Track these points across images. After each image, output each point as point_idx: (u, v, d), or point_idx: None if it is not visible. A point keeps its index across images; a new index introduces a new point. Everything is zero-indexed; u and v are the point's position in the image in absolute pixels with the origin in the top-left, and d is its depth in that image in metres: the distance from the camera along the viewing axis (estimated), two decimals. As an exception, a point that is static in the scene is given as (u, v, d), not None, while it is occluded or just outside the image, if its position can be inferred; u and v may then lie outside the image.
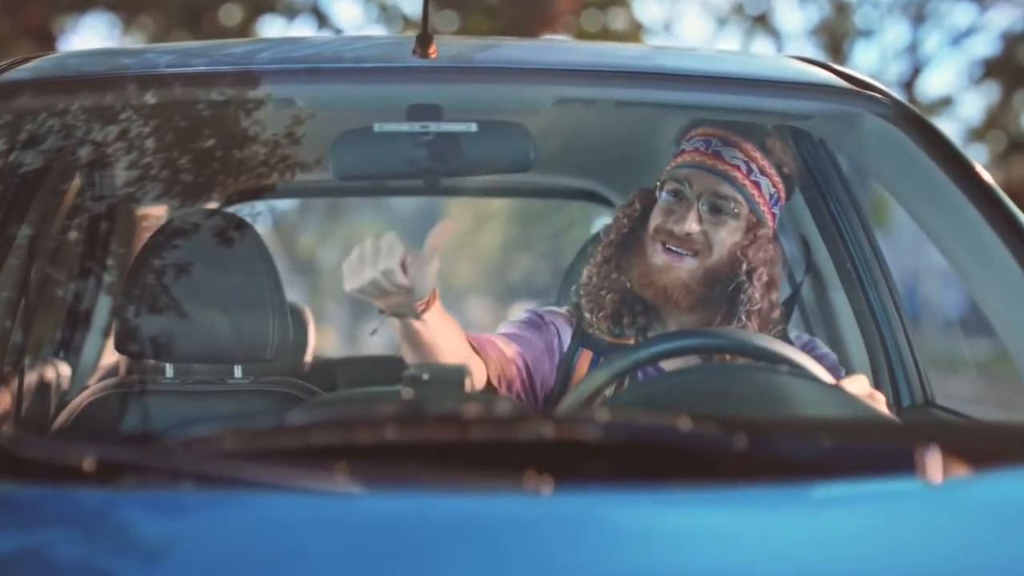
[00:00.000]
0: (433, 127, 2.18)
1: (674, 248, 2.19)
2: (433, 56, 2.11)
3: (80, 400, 2.49)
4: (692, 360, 2.15)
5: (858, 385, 1.86)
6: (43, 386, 2.86)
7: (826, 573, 1.25)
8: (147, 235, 2.48)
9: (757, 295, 2.19)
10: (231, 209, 2.80)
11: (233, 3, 14.33)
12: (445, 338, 1.99)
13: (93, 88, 2.18)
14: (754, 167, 2.23)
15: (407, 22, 13.93)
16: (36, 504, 1.33)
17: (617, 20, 15.70)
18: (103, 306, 3.20)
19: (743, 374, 1.84)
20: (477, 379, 2.03)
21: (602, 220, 3.37)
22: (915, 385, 2.62)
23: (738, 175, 2.22)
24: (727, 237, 2.20)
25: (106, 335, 3.24)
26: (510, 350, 2.19)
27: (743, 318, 2.18)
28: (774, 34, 18.02)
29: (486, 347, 2.14)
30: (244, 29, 13.84)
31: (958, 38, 17.63)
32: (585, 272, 2.31)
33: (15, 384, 2.57)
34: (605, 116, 2.62)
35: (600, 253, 2.29)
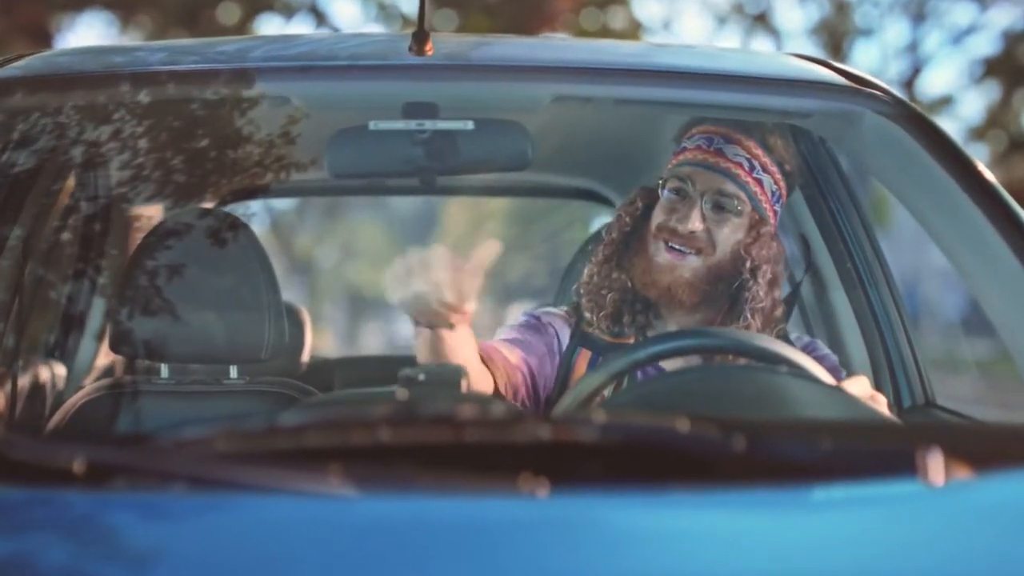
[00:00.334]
0: (429, 125, 2.17)
1: (677, 246, 2.19)
2: (429, 53, 2.10)
3: (74, 401, 2.48)
4: (692, 360, 2.14)
5: (859, 387, 1.84)
6: (38, 387, 2.85)
7: (826, 577, 1.24)
8: (142, 235, 2.47)
9: (761, 293, 2.18)
10: (226, 209, 2.79)
11: (231, 2, 14.33)
12: (465, 349, 1.97)
13: (85, 87, 2.17)
14: (756, 164, 2.22)
15: (406, 21, 13.94)
16: (24, 507, 1.31)
17: (616, 19, 15.70)
18: (98, 306, 3.20)
19: (742, 375, 1.82)
20: (485, 388, 2.02)
21: (601, 219, 3.36)
22: (916, 386, 2.61)
23: (741, 173, 2.21)
24: (730, 235, 2.20)
25: (101, 335, 3.22)
26: (514, 356, 2.18)
27: (748, 316, 2.17)
28: (774, 33, 18.02)
29: (493, 356, 2.13)
30: (242, 28, 13.83)
31: (958, 37, 17.64)
32: (586, 271, 2.30)
33: (9, 385, 2.56)
34: (603, 114, 2.61)
35: (601, 252, 2.28)
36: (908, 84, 17.02)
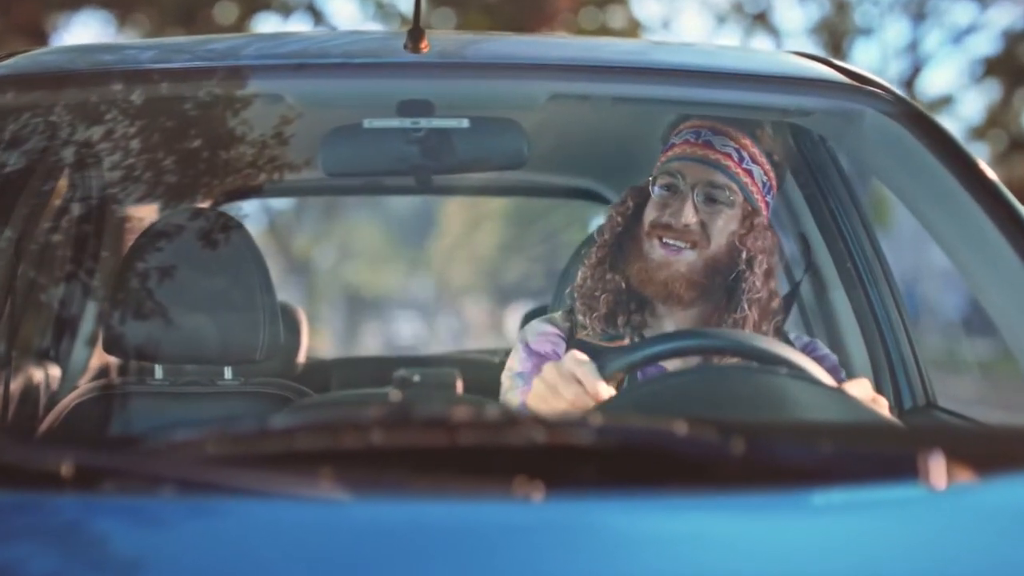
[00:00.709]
0: (424, 123, 2.16)
1: (671, 241, 2.17)
2: (425, 51, 2.08)
3: (67, 402, 2.47)
4: (691, 361, 2.12)
5: (860, 389, 1.82)
6: (31, 388, 2.84)
7: (826, 582, 1.22)
8: (135, 235, 2.46)
9: (758, 283, 2.17)
10: (221, 209, 2.78)
11: (228, 1, 14.32)
12: None
13: (75, 85, 2.15)
14: (745, 155, 2.21)
15: (404, 20, 13.92)
16: (10, 512, 1.29)
17: (615, 18, 15.69)
18: (93, 307, 3.18)
19: (742, 376, 1.80)
20: None
21: (599, 220, 3.34)
22: (917, 386, 2.60)
23: (730, 164, 2.20)
24: (724, 226, 2.19)
25: (96, 336, 3.21)
26: None
27: (745, 308, 2.16)
28: (773, 32, 18.01)
29: None
30: (239, 27, 13.83)
31: (959, 36, 17.63)
32: (579, 274, 2.28)
33: (2, 387, 2.55)
34: (601, 112, 2.59)
35: (594, 254, 2.26)
36: (908, 84, 17.01)
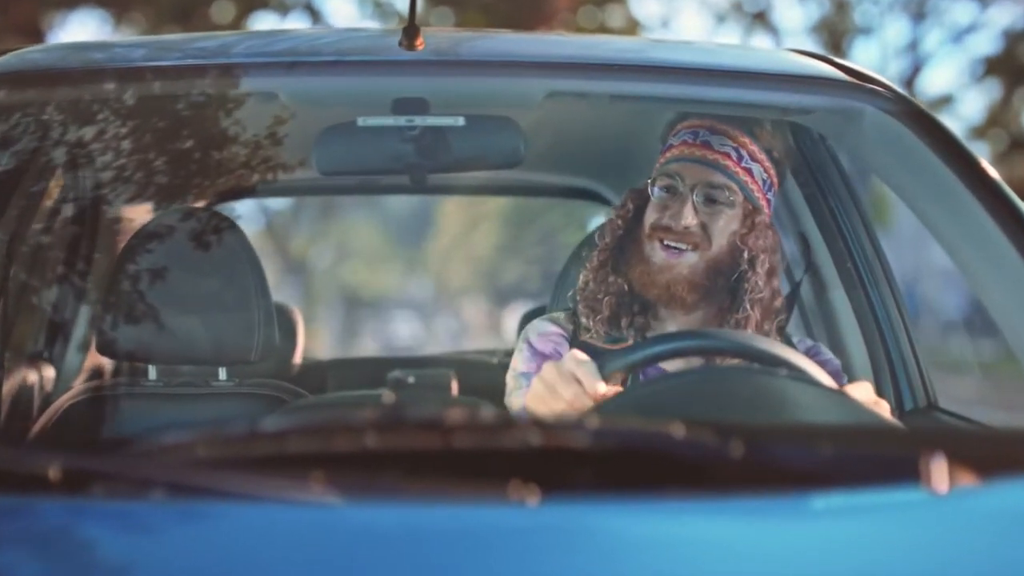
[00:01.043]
0: (419, 121, 2.14)
1: (673, 244, 2.16)
2: (420, 49, 2.06)
3: (60, 403, 2.45)
4: (692, 362, 2.10)
5: (862, 392, 1.81)
6: (25, 388, 2.82)
7: (826, 587, 1.21)
8: (129, 235, 2.44)
9: (760, 283, 2.16)
10: (215, 209, 2.77)
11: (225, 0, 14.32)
12: None
13: (68, 84, 2.13)
14: (744, 153, 2.20)
15: (402, 19, 13.87)
16: (-4, 516, 1.28)
17: (614, 17, 15.69)
18: (87, 307, 3.17)
19: (742, 377, 1.79)
20: None
21: (598, 219, 3.32)
22: (918, 388, 2.58)
23: (729, 163, 2.19)
24: (725, 227, 2.17)
25: (90, 337, 3.20)
26: None
27: (747, 308, 2.15)
28: (773, 31, 18.01)
29: None
30: (236, 26, 13.81)
31: (959, 35, 17.63)
32: (581, 277, 2.26)
33: (-5, 387, 2.54)
34: (598, 111, 2.57)
35: (596, 257, 2.25)
36: (908, 83, 17.02)
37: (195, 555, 1.22)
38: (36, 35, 12.38)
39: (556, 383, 1.77)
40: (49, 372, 3.00)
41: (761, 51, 3.12)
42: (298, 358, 3.40)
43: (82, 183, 2.70)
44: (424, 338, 20.55)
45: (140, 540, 1.25)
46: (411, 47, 2.06)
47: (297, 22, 15.10)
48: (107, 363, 2.98)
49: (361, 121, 2.19)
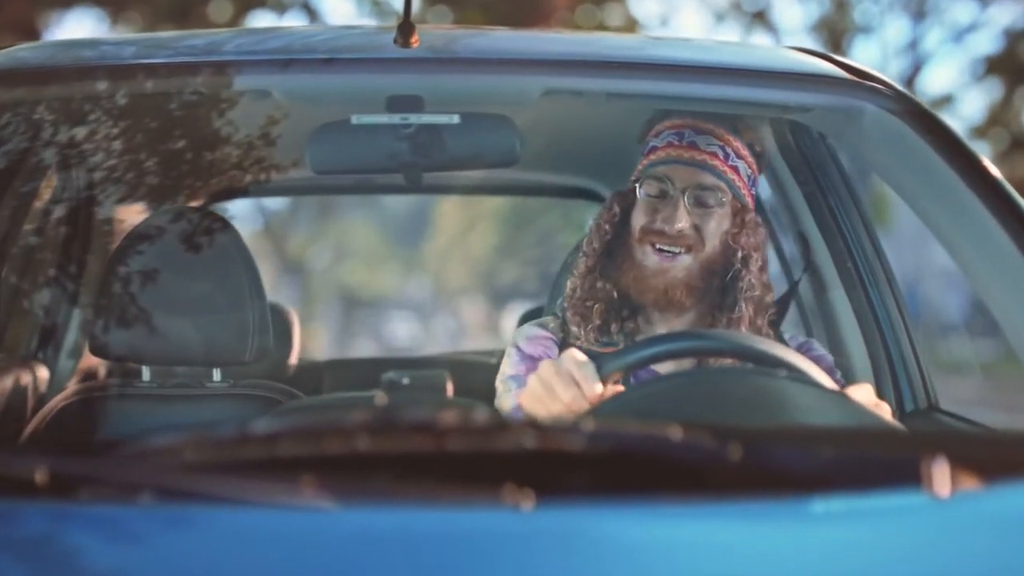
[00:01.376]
0: (414, 119, 2.12)
1: (666, 248, 2.15)
2: (415, 46, 2.05)
3: (53, 405, 2.44)
4: (685, 363, 2.08)
5: (863, 393, 1.79)
6: (19, 389, 2.80)
7: (826, 593, 1.19)
8: (123, 235, 2.42)
9: (754, 280, 2.16)
10: (209, 208, 2.75)
11: (223, -1, 14.31)
12: None
13: (58, 82, 2.11)
14: (730, 151, 2.19)
15: (400, 17, 13.79)
16: (-20, 521, 1.26)
17: (613, 16, 15.69)
18: (81, 307, 3.15)
19: (740, 378, 1.77)
20: None
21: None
22: (918, 389, 2.57)
23: (717, 163, 2.18)
24: (717, 227, 2.16)
25: (84, 337, 3.18)
26: None
27: (742, 307, 2.15)
28: (772, 30, 18.01)
29: None
30: (233, 25, 13.80)
31: (959, 35, 17.63)
32: (568, 284, 2.25)
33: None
34: (596, 109, 2.55)
35: (583, 263, 2.24)
36: (909, 82, 17.01)
37: (184, 561, 1.21)
38: (32, 34, 12.36)
39: (553, 382, 1.75)
40: (43, 373, 2.98)
41: (760, 48, 3.11)
42: (294, 359, 3.39)
43: (74, 183, 2.69)
44: (422, 339, 20.57)
45: (128, 546, 1.23)
46: (406, 44, 2.05)
47: (294, 21, 15.09)
48: (101, 364, 2.97)
49: (355, 119, 2.17)
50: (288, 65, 2.11)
